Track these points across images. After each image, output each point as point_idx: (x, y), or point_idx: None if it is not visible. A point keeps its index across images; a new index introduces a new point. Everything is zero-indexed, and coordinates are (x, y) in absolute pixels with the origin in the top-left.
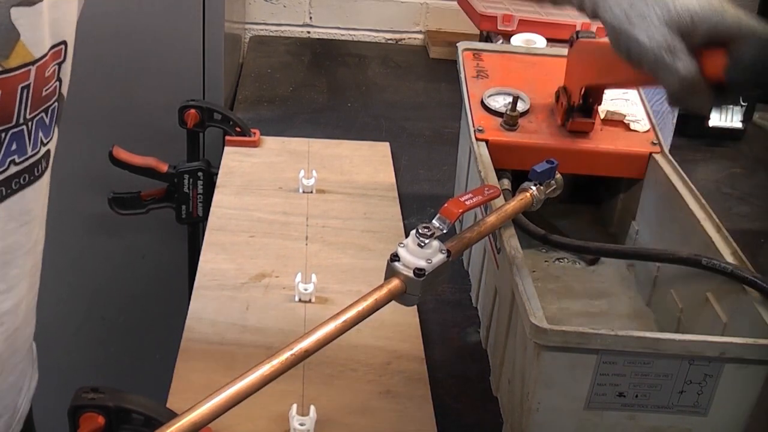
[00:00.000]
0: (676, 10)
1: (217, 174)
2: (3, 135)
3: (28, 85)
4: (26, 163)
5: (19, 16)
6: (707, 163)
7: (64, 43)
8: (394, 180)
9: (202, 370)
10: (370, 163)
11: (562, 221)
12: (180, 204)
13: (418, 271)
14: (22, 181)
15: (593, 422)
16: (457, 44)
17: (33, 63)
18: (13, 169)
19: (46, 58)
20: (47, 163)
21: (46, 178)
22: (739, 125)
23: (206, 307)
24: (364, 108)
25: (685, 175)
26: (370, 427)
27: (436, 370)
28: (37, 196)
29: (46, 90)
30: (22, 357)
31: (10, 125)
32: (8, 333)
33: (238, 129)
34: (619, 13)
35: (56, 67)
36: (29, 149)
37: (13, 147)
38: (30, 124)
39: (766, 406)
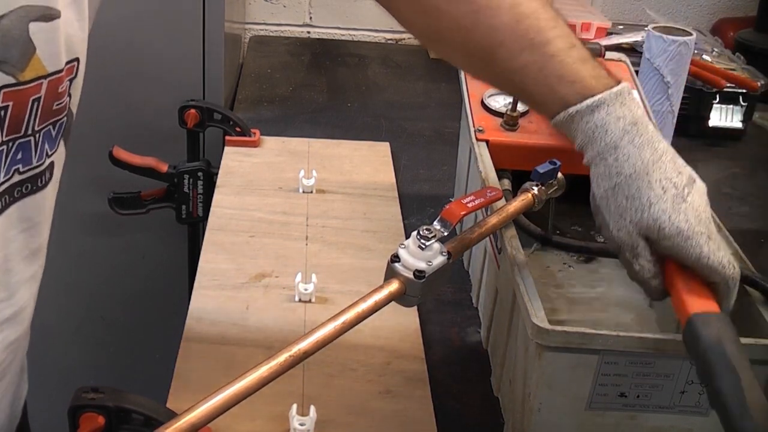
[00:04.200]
0: (645, 217)
1: (217, 174)
2: (11, 144)
3: (39, 98)
4: (30, 173)
5: (36, 30)
6: (707, 163)
7: (77, 59)
8: (394, 180)
9: (202, 370)
10: (370, 163)
11: (563, 221)
12: (180, 204)
13: (419, 273)
14: (24, 190)
15: (595, 422)
16: None
17: (46, 77)
18: (17, 178)
19: (62, 73)
20: (51, 175)
21: (51, 189)
22: (739, 125)
23: (206, 307)
24: (364, 108)
25: None
26: (370, 427)
27: (436, 370)
28: (38, 205)
29: (57, 105)
30: (20, 367)
31: (18, 135)
32: (9, 341)
33: (238, 129)
34: (601, 195)
35: (68, 82)
36: (34, 160)
37: (19, 156)
38: (38, 135)
39: None
